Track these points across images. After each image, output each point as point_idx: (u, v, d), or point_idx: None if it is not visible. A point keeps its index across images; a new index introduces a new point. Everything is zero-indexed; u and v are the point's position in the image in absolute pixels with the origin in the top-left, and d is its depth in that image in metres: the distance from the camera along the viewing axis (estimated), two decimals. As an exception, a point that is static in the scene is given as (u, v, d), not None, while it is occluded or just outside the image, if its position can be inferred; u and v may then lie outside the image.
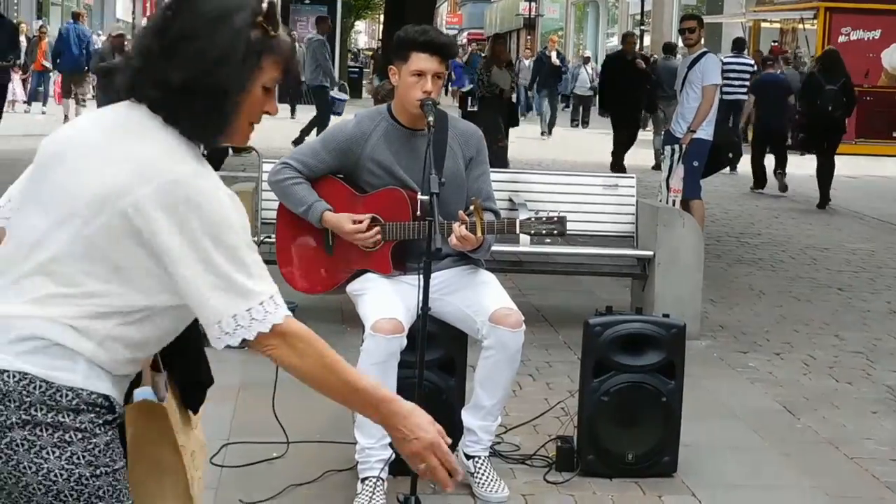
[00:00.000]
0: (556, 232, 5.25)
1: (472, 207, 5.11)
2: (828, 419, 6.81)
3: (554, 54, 30.48)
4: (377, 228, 5.34)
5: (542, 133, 28.79)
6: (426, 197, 5.02)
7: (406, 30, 5.44)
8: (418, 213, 5.23)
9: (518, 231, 5.27)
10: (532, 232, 5.27)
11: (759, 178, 18.84)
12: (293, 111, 30.65)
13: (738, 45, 22.14)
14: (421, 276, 4.90)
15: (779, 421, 6.77)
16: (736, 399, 7.14)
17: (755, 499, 5.52)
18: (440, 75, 5.29)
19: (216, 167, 14.13)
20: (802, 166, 20.48)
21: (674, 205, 11.45)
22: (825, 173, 17.38)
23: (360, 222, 5.34)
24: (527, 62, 37.64)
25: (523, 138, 23.67)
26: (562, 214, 5.29)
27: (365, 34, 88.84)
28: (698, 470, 5.75)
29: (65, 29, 25.66)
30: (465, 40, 68.27)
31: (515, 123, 18.28)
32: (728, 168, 17.76)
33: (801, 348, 8.48)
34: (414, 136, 5.28)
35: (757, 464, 5.99)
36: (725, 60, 19.61)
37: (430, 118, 5.18)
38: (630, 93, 19.87)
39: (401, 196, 5.33)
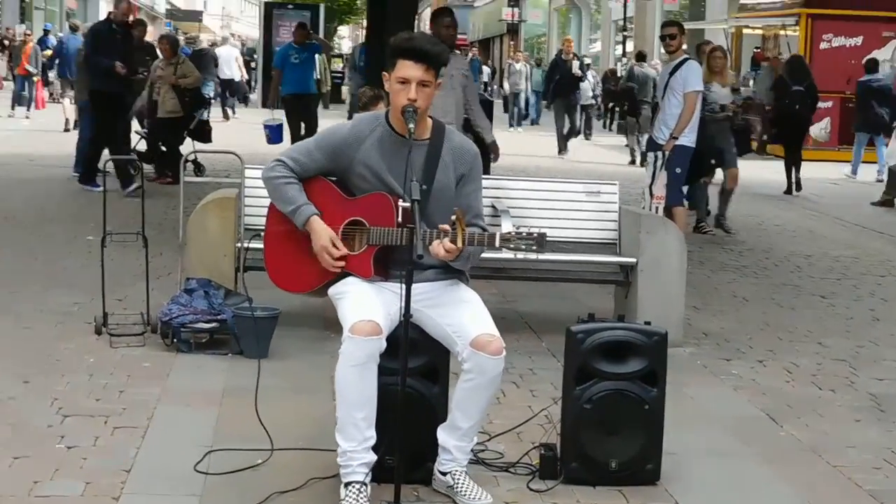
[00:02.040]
0: (534, 248, 5.23)
1: (454, 217, 5.10)
2: (811, 427, 6.81)
3: (576, 64, 27.59)
4: (340, 264, 5.34)
5: (560, 151, 25.94)
6: (407, 203, 5.03)
7: (396, 37, 5.44)
8: (400, 219, 5.23)
9: (497, 245, 5.25)
10: (511, 247, 5.25)
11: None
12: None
13: (641, 57, 27.11)
14: (403, 284, 4.91)
15: (762, 428, 6.77)
16: (719, 406, 7.15)
17: (739, 507, 5.54)
18: (426, 83, 5.28)
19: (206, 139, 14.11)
20: (782, 172, 20.54)
21: (657, 212, 11.47)
22: (793, 162, 19.83)
23: (337, 248, 5.34)
24: (518, 66, 37.52)
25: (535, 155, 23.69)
26: (542, 231, 5.27)
27: (349, 39, 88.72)
28: (681, 477, 5.75)
29: (65, 37, 26.95)
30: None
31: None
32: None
33: (785, 356, 8.49)
34: (407, 144, 5.27)
35: (740, 471, 5.99)
36: None
37: (411, 125, 5.19)
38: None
39: (387, 202, 5.32)
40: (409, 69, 5.27)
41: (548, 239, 5.36)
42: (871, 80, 21.72)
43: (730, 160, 14.54)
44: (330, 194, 5.46)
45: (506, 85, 38.45)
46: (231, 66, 34.77)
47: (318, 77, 21.86)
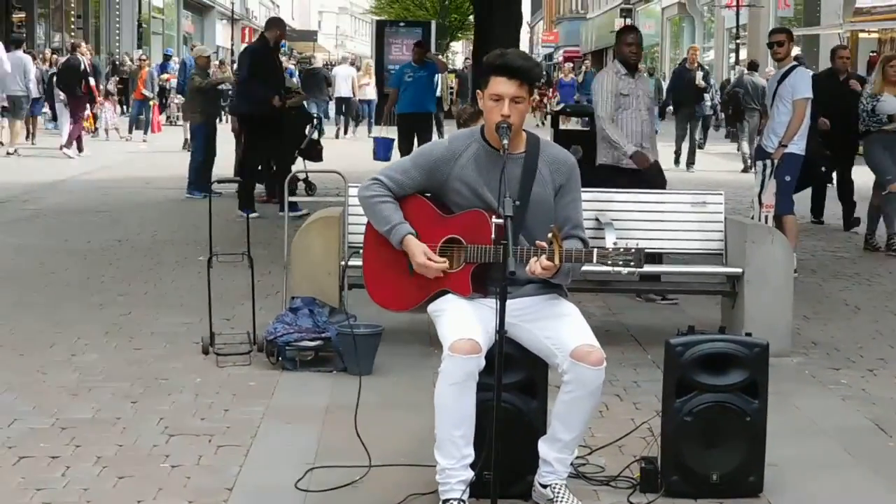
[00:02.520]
0: (632, 263, 5.21)
1: (550, 235, 5.10)
2: (920, 437, 6.70)
3: (700, 74, 25.80)
4: (443, 266, 5.36)
5: (687, 165, 24.95)
6: (500, 220, 5.04)
7: (489, 55, 5.47)
8: (494, 235, 5.24)
9: (595, 261, 5.24)
10: (609, 262, 5.23)
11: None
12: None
13: (753, 66, 26.82)
14: (497, 300, 4.92)
15: (870, 439, 6.66)
16: (826, 417, 7.04)
17: (843, 519, 5.46)
18: (519, 99, 5.30)
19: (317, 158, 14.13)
20: None
21: (766, 221, 11.33)
22: None
23: (434, 261, 5.37)
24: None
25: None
26: (640, 246, 5.25)
27: (462, 54, 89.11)
28: (785, 489, 5.68)
29: (188, 58, 27.90)
30: (560, 58, 68.17)
31: None
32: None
33: (896, 364, 8.35)
34: (502, 159, 5.28)
35: (846, 483, 5.90)
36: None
37: (505, 141, 5.21)
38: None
39: (483, 218, 5.34)
40: (501, 85, 5.29)
41: (649, 250, 5.33)
42: None
43: None
44: (426, 212, 5.49)
45: None
46: (347, 84, 35.09)
47: (440, 95, 21.85)
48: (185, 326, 8.93)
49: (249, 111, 15.67)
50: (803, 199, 15.22)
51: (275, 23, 16.48)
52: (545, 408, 5.53)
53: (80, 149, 24.98)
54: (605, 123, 10.38)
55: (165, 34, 55.61)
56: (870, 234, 14.12)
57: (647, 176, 10.32)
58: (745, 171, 23.81)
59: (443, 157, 5.47)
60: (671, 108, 27.02)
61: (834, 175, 15.91)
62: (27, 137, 26.90)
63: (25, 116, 26.18)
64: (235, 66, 18.76)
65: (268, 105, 15.06)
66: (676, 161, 25.19)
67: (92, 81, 26.21)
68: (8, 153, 24.47)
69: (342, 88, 34.75)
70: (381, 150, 18.03)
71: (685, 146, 25.31)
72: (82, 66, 25.51)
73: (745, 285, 8.44)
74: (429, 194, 5.55)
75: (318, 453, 6.12)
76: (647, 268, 8.84)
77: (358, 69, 38.43)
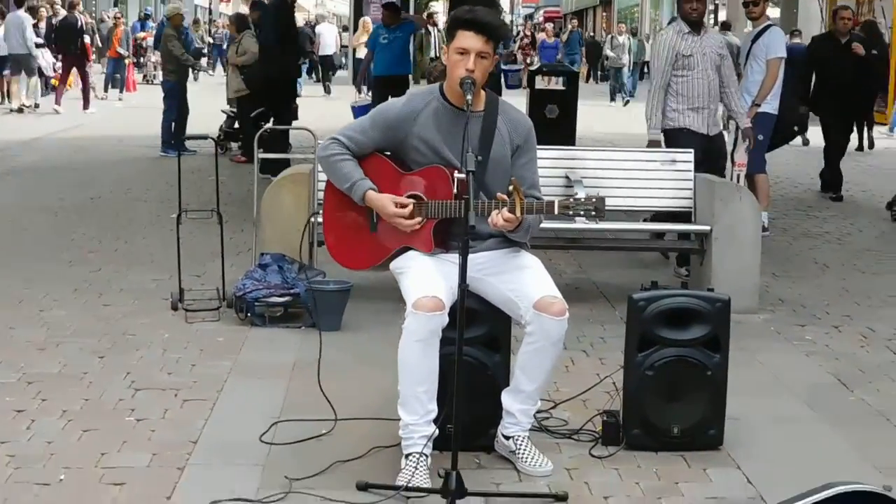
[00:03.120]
0: (593, 213, 5.23)
1: (510, 188, 5.12)
2: (882, 391, 6.75)
3: None
4: (418, 219, 5.38)
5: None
6: (463, 175, 5.06)
7: (457, 9, 5.49)
8: (456, 190, 5.26)
9: (557, 212, 5.27)
10: (570, 213, 5.26)
11: None
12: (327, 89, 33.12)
13: (726, 26, 27.41)
14: (460, 254, 4.95)
15: (831, 394, 6.73)
16: (790, 372, 7.10)
17: (800, 471, 5.45)
18: (484, 55, 5.31)
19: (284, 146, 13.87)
20: (876, 139, 20.39)
21: (738, 180, 11.36)
22: (863, 122, 20.00)
23: (404, 206, 5.38)
24: (621, 38, 36.11)
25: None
26: (601, 195, 5.28)
27: (443, 14, 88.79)
28: (745, 443, 5.74)
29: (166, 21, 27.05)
30: (541, 18, 68.04)
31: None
32: (800, 142, 17.76)
33: (861, 321, 8.41)
34: (462, 116, 5.28)
35: (805, 437, 5.97)
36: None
37: (469, 96, 5.22)
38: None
39: (443, 174, 5.36)
40: (468, 39, 5.30)
41: (619, 208, 5.37)
42: None
43: None
44: (386, 170, 5.50)
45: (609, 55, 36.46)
46: (330, 43, 35.19)
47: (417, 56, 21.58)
48: (155, 283, 8.95)
49: (279, 76, 15.55)
50: (814, 173, 15.32)
51: None
52: (508, 362, 5.58)
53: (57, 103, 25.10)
54: (653, 95, 9.88)
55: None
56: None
57: (712, 142, 9.94)
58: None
59: (401, 115, 5.47)
60: None
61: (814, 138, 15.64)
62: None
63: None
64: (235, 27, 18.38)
65: (296, 68, 15.09)
66: None
67: (87, 40, 26.28)
68: (24, 108, 25.28)
69: (329, 46, 34.96)
70: (360, 115, 17.78)
71: None
72: (79, 24, 25.67)
73: (713, 243, 8.49)
74: (389, 153, 5.56)
75: (283, 408, 6.16)
76: (618, 225, 8.98)
77: (345, 28, 38.54)
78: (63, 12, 27.84)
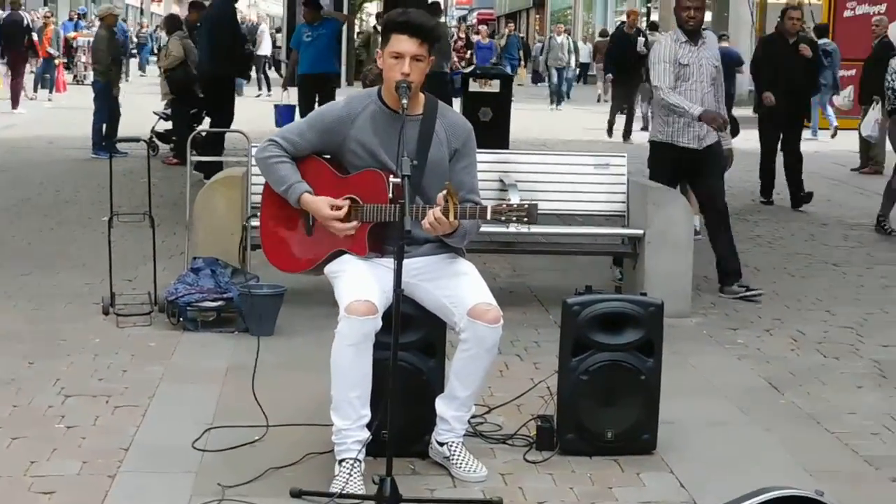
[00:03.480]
0: (525, 219, 5.24)
1: (445, 192, 5.12)
2: (812, 394, 6.82)
3: (641, 41, 23.23)
4: (353, 224, 5.36)
5: (624, 136, 23.26)
6: (398, 179, 5.05)
7: (390, 13, 5.48)
8: (392, 195, 5.25)
9: (489, 217, 5.26)
10: (503, 219, 5.26)
11: None
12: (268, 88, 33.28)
13: (653, 27, 29.06)
14: (395, 259, 4.93)
15: (763, 397, 6.78)
16: (721, 376, 7.15)
17: (733, 475, 5.51)
18: (420, 58, 5.30)
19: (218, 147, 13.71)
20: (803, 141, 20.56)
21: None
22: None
23: (339, 208, 5.36)
24: (560, 39, 34.70)
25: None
26: (533, 202, 5.29)
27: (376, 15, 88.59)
28: (678, 447, 5.77)
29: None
30: (474, 20, 68.10)
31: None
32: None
33: (792, 324, 8.49)
34: (399, 120, 5.27)
35: (738, 440, 6.01)
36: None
37: (404, 100, 5.21)
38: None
39: (380, 178, 5.34)
40: (403, 43, 5.29)
41: (552, 212, 5.38)
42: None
43: None
44: (323, 173, 5.49)
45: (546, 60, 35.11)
46: (267, 43, 35.26)
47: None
48: (87, 287, 8.87)
49: (233, 72, 15.68)
50: (753, 178, 15.29)
51: None
52: (443, 367, 5.57)
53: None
54: (664, 92, 9.20)
55: (74, -7, 54.74)
56: (883, 217, 12.89)
57: (704, 155, 9.42)
58: (644, 129, 23.59)
59: (339, 118, 5.46)
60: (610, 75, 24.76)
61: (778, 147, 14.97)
62: None
63: None
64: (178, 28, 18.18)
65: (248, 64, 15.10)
66: (610, 132, 23.87)
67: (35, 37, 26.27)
68: None
69: (265, 47, 35.00)
70: (284, 118, 17.35)
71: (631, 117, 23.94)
72: (25, 22, 25.78)
73: (646, 247, 8.53)
74: (327, 156, 5.54)
75: (216, 414, 6.11)
76: (552, 229, 9.01)
77: (279, 30, 38.62)
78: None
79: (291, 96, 18.63)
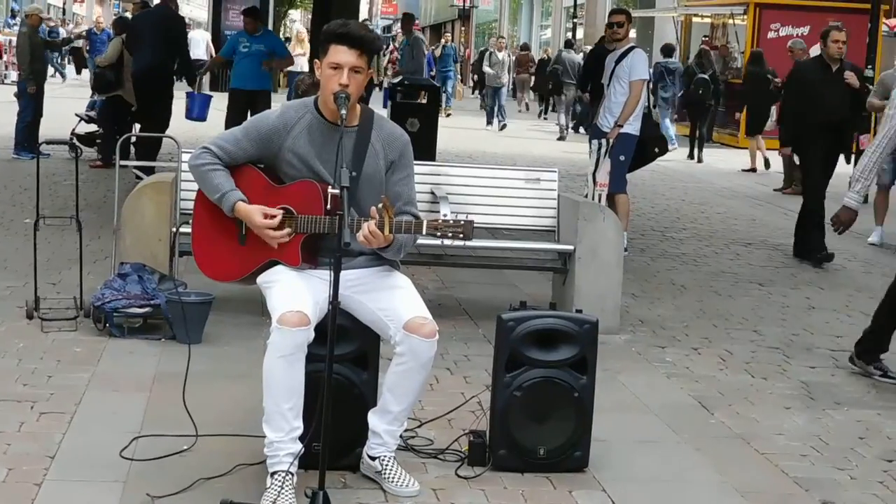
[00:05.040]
0: (461, 235, 5.22)
1: (380, 205, 5.08)
2: (741, 414, 6.85)
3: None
4: (286, 231, 5.30)
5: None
6: (336, 190, 5.01)
7: (330, 23, 5.43)
8: (329, 206, 5.20)
9: (424, 232, 5.23)
10: (438, 234, 5.24)
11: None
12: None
13: (569, 44, 31.33)
14: (331, 271, 4.89)
15: (693, 416, 6.80)
16: (651, 394, 7.16)
17: (665, 494, 5.54)
18: (358, 69, 5.26)
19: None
20: (728, 161, 20.86)
21: (600, 199, 11.47)
22: (697, 139, 24.45)
23: (273, 217, 5.30)
24: (500, 55, 32.14)
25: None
26: (469, 219, 5.27)
27: (301, 23, 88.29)
28: (610, 465, 5.77)
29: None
30: (398, 31, 68.03)
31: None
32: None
33: (719, 343, 8.53)
34: (336, 131, 5.23)
35: (668, 459, 6.02)
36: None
37: (343, 111, 5.17)
38: None
39: (315, 189, 5.29)
40: (342, 54, 5.25)
41: (483, 226, 5.35)
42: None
43: None
44: (258, 182, 5.43)
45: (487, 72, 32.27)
46: (201, 48, 34.71)
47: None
48: (10, 290, 8.71)
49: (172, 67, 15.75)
50: (670, 194, 15.19)
51: None
52: (376, 380, 5.53)
53: None
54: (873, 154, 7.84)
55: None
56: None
57: None
58: (560, 139, 27.48)
59: (274, 128, 5.40)
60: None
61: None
62: None
63: None
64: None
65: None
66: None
67: None
68: None
69: (196, 52, 34.63)
70: (196, 106, 16.21)
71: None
72: None
73: (577, 262, 8.54)
74: (262, 165, 5.48)
75: (144, 422, 6.02)
76: (482, 242, 8.99)
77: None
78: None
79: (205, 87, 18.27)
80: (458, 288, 9.82)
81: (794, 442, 6.39)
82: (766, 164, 21.94)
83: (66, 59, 40.74)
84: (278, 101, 21.24)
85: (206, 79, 20.10)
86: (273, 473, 5.09)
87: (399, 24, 19.38)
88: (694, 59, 25.38)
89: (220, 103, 16.82)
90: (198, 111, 16.11)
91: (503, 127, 30.15)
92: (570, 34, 41.99)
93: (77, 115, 17.70)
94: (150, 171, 9.64)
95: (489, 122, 31.07)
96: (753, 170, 22.14)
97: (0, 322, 7.85)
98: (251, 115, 15.67)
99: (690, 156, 24.00)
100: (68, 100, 22.73)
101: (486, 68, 32.00)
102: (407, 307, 5.29)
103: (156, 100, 15.26)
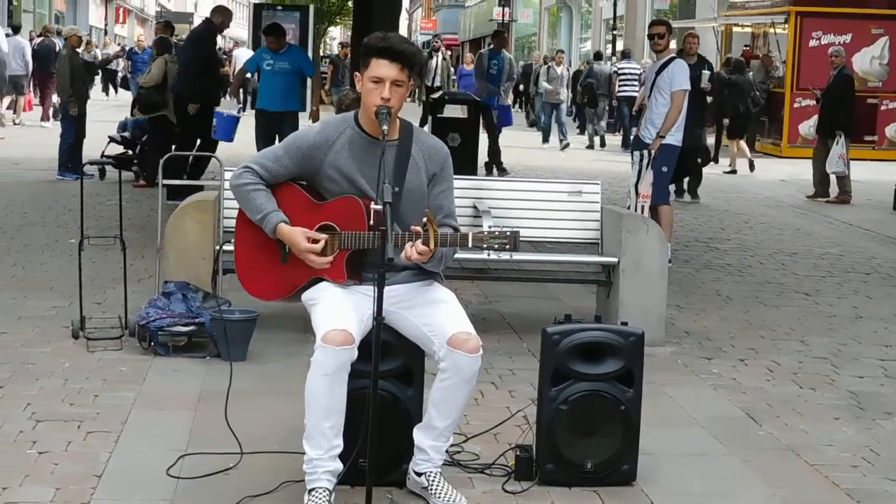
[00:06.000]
0: (507, 247, 5.19)
1: (424, 220, 5.06)
2: (790, 426, 6.78)
3: (707, 74, 16.15)
4: (329, 259, 5.29)
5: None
6: (379, 206, 5.00)
7: (370, 37, 5.40)
8: (372, 222, 5.19)
9: (470, 245, 5.21)
10: (484, 246, 5.21)
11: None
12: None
13: (626, 55, 31.72)
14: (375, 286, 4.87)
15: (741, 428, 6.74)
16: (698, 406, 7.11)
17: (714, 507, 5.51)
18: (399, 83, 5.24)
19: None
20: (771, 170, 20.75)
21: (642, 211, 11.43)
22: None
23: (316, 241, 5.29)
24: (560, 69, 29.68)
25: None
26: (515, 230, 5.24)
27: (339, 39, 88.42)
28: (658, 478, 5.72)
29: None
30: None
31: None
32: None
33: (766, 354, 8.46)
34: (377, 145, 5.22)
35: (717, 471, 5.97)
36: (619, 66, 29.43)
37: (385, 126, 5.15)
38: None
39: (357, 205, 5.28)
40: (383, 68, 5.23)
41: (526, 239, 5.33)
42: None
43: None
44: (299, 200, 5.41)
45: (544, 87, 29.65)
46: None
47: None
48: (55, 310, 8.75)
49: (205, 98, 15.60)
50: (714, 204, 15.11)
51: (221, 10, 16.25)
52: (421, 395, 5.51)
53: None
54: None
55: (37, 13, 54.47)
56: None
57: None
58: (589, 147, 28.68)
59: (315, 144, 5.39)
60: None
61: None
62: None
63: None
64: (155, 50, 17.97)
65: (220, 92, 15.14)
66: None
67: None
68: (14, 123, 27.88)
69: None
70: (222, 128, 15.56)
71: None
72: (57, 48, 25.88)
73: (621, 275, 8.49)
74: (303, 182, 5.47)
75: (189, 440, 6.03)
76: (525, 256, 8.96)
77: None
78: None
79: (233, 106, 18.34)
80: (502, 302, 9.79)
81: (844, 453, 6.32)
82: (751, 166, 22.66)
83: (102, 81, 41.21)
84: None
85: (234, 100, 19.89)
86: (311, 490, 5.09)
87: (490, 39, 19.32)
88: (724, 66, 25.42)
89: (250, 121, 16.77)
90: (220, 132, 15.54)
91: (566, 146, 27.49)
92: (609, 46, 41.96)
93: (110, 136, 17.65)
94: (185, 192, 9.66)
95: (545, 140, 28.82)
96: (734, 171, 22.70)
97: (46, 342, 7.88)
98: (279, 139, 15.07)
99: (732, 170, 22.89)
100: (101, 122, 22.74)
101: (545, 83, 29.39)
102: (451, 322, 5.26)
103: (195, 119, 15.30)
